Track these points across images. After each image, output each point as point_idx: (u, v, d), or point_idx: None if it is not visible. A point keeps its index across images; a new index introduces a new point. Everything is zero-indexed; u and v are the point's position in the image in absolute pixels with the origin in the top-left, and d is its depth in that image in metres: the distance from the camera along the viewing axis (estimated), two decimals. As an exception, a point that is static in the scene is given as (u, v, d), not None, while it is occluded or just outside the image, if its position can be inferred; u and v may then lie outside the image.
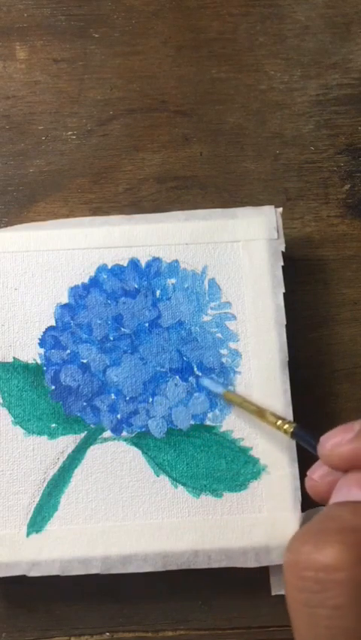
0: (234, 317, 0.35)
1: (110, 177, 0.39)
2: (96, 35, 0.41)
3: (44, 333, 0.34)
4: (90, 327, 0.34)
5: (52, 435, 0.33)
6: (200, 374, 0.34)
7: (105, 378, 0.34)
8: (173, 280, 0.35)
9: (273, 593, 0.33)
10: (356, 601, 0.18)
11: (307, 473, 0.26)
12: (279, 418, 0.30)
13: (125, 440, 0.33)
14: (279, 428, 0.30)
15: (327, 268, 0.38)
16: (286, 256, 0.35)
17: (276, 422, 0.30)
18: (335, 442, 0.23)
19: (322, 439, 0.24)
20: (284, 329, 0.34)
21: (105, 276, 0.35)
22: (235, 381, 0.34)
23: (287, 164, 0.40)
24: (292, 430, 0.29)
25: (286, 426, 0.30)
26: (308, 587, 0.19)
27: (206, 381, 0.33)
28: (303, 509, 0.32)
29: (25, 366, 0.34)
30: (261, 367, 0.34)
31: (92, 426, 0.33)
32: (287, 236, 0.37)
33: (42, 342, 0.34)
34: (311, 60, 0.41)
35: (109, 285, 0.35)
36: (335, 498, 0.22)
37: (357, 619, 0.18)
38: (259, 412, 0.31)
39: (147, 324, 0.34)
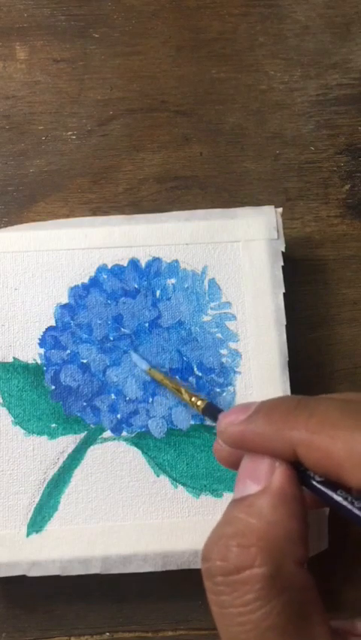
0: (234, 317, 0.35)
1: (110, 177, 0.39)
2: (96, 35, 0.41)
3: (44, 333, 0.34)
4: (90, 328, 0.34)
5: (52, 435, 0.33)
6: (200, 374, 0.34)
7: (105, 379, 0.34)
8: (173, 280, 0.35)
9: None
10: (261, 594, 0.20)
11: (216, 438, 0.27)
12: (193, 395, 0.32)
13: (126, 440, 0.33)
14: (192, 404, 0.31)
15: (327, 268, 0.38)
16: (286, 256, 0.35)
17: (190, 398, 0.31)
18: (228, 420, 0.24)
19: (220, 415, 0.25)
20: (284, 329, 0.34)
21: (105, 276, 0.35)
22: (235, 381, 0.34)
23: (287, 164, 0.40)
24: (203, 406, 0.31)
25: (198, 402, 0.31)
26: (221, 590, 0.21)
27: (134, 356, 0.34)
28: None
29: (25, 366, 0.34)
30: (261, 367, 0.34)
31: (92, 426, 0.33)
32: (287, 236, 0.37)
33: (42, 342, 0.34)
34: (311, 60, 0.41)
35: (109, 285, 0.35)
36: (235, 491, 0.24)
37: (264, 610, 0.20)
38: (177, 389, 0.32)
39: (147, 324, 0.34)
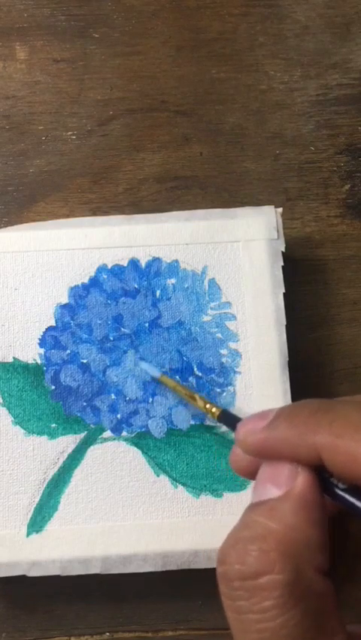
0: (234, 317, 0.35)
1: (110, 177, 0.39)
2: (96, 35, 0.41)
3: (44, 333, 0.34)
4: (90, 328, 0.34)
5: (52, 435, 0.33)
6: (200, 374, 0.34)
7: (105, 379, 0.34)
8: (173, 280, 0.35)
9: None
10: (279, 602, 0.20)
11: (233, 448, 0.26)
12: (207, 402, 0.31)
13: (126, 440, 0.33)
14: (207, 411, 0.31)
15: (327, 268, 0.38)
16: (286, 256, 0.35)
17: (205, 405, 0.31)
18: (248, 428, 0.24)
19: (239, 424, 0.24)
20: (284, 329, 0.34)
21: (105, 276, 0.35)
22: (235, 381, 0.34)
23: (287, 164, 0.40)
24: (218, 413, 0.30)
25: (213, 409, 0.31)
26: (238, 595, 0.21)
27: (144, 365, 0.34)
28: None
29: (25, 366, 0.34)
30: (261, 367, 0.34)
31: (92, 426, 0.33)
32: (287, 236, 0.37)
33: (42, 342, 0.34)
34: (311, 60, 0.41)
35: (109, 285, 0.35)
36: (254, 494, 0.23)
37: (282, 619, 0.20)
38: (191, 396, 0.32)
39: (147, 324, 0.34)
